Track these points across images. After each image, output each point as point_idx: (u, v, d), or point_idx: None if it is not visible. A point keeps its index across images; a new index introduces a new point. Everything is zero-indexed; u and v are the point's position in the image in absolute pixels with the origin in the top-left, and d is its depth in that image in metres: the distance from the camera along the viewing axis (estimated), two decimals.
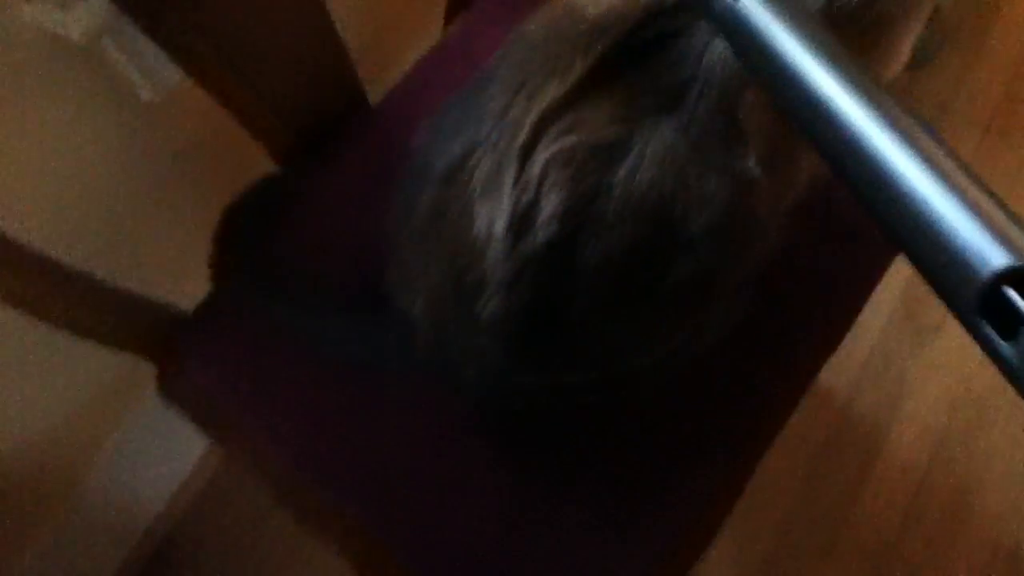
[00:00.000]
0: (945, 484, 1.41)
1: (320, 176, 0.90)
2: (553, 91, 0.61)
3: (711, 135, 0.60)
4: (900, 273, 1.48)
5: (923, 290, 1.28)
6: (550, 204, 0.59)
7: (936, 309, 1.46)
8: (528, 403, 0.74)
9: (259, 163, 0.88)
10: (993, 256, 0.34)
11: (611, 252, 0.61)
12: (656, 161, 0.60)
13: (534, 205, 0.60)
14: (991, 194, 0.37)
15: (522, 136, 0.60)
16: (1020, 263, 0.34)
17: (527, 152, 0.60)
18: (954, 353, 1.44)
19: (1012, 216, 0.36)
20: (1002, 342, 0.34)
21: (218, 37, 0.75)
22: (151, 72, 0.84)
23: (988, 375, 1.42)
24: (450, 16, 1.05)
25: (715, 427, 0.82)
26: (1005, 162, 1.59)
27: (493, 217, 0.61)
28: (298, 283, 0.81)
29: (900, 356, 1.45)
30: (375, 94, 0.97)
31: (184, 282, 0.84)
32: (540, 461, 0.79)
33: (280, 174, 0.87)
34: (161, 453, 1.15)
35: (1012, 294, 0.34)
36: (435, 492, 0.78)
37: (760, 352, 0.83)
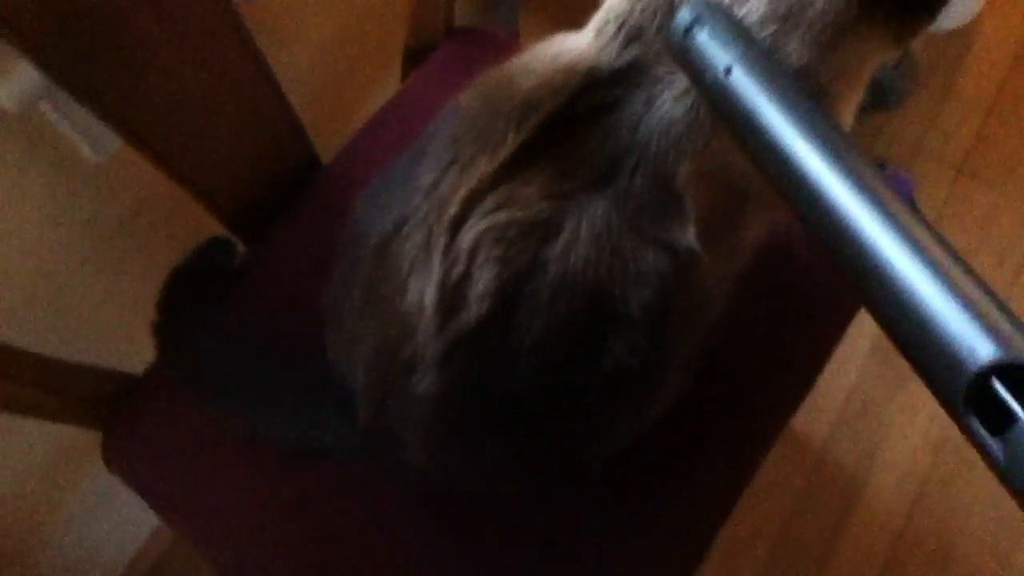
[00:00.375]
0: (925, 532, 1.39)
1: (267, 240, 0.89)
2: (484, 166, 0.60)
3: (648, 209, 0.59)
4: (871, 320, 1.48)
5: None
6: (481, 281, 0.58)
7: None
8: (470, 477, 0.72)
9: (208, 224, 0.86)
10: (982, 348, 0.33)
11: (547, 331, 0.60)
12: (591, 238, 0.58)
13: (465, 281, 0.59)
14: (980, 283, 0.36)
15: (452, 210, 0.59)
16: (1009, 357, 0.33)
17: (456, 227, 0.59)
18: (932, 397, 1.42)
19: (1002, 307, 0.35)
20: (990, 437, 0.33)
21: (155, 107, 0.74)
22: (94, 135, 0.83)
23: None
24: (406, 71, 1.04)
25: (684, 478, 0.80)
26: (979, 204, 1.58)
27: (423, 292, 0.60)
28: (241, 356, 0.79)
29: (877, 401, 1.43)
30: (331, 147, 0.96)
31: (132, 348, 0.82)
32: (491, 541, 0.77)
33: (225, 239, 0.86)
34: (117, 520, 1.12)
35: (1001, 388, 0.33)
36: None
37: (726, 408, 0.82)
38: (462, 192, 0.59)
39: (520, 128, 0.59)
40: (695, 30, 0.49)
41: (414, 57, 1.02)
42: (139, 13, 0.69)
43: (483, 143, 0.60)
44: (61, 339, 0.92)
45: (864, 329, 1.48)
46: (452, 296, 0.59)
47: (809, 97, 0.45)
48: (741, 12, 0.56)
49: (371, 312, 0.65)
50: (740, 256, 0.70)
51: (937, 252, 0.37)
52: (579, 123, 0.59)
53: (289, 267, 0.87)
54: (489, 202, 0.59)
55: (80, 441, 1.02)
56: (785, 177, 0.43)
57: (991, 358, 0.33)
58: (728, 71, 0.46)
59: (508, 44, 1.01)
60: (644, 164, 0.58)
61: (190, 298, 0.82)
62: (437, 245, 0.59)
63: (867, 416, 1.43)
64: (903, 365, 1.31)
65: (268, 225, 0.89)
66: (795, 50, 0.56)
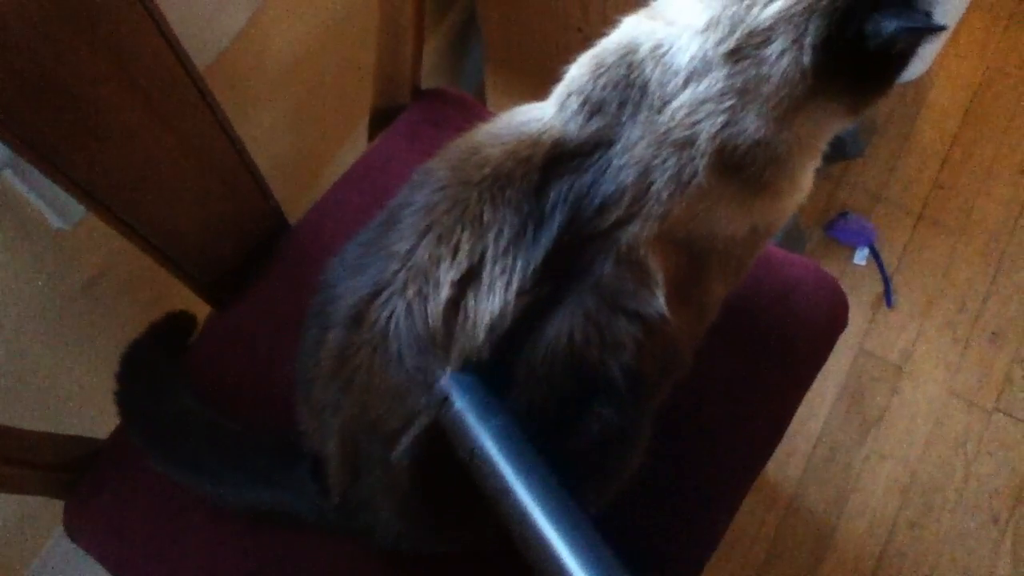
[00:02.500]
0: (896, 574, 1.39)
1: (231, 306, 0.89)
2: (465, 241, 0.61)
3: (618, 280, 0.60)
4: (841, 364, 1.50)
5: (865, 380, 1.29)
6: (479, 357, 0.60)
7: (879, 399, 1.47)
8: (448, 541, 0.72)
9: (172, 286, 0.86)
10: None
11: (533, 400, 0.61)
12: (572, 315, 0.60)
13: (459, 357, 0.60)
14: None
15: (444, 292, 0.60)
16: None
17: (453, 309, 0.60)
18: (898, 441, 1.44)
19: None
20: None
21: (121, 175, 0.74)
22: (59, 203, 0.83)
23: (933, 462, 1.42)
24: (373, 132, 1.05)
25: (659, 531, 0.80)
26: (939, 249, 1.62)
27: (417, 368, 0.60)
28: (206, 422, 0.79)
29: (845, 447, 1.45)
30: (299, 207, 0.97)
31: (96, 413, 0.81)
32: None
33: (185, 312, 0.86)
34: None
35: None
36: None
37: (699, 460, 0.82)
38: (451, 273, 0.60)
39: (495, 204, 0.61)
40: (450, 401, 0.58)
41: (382, 118, 1.03)
42: (105, 81, 0.69)
43: (458, 213, 0.62)
44: (23, 406, 0.91)
45: (830, 376, 1.50)
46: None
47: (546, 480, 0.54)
48: (701, 87, 0.58)
49: (344, 382, 0.65)
50: (707, 315, 0.71)
51: None
52: (561, 202, 0.60)
53: (255, 330, 0.87)
54: (484, 286, 0.60)
55: (39, 507, 1.00)
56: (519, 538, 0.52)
57: None
58: (471, 455, 0.55)
59: (474, 105, 1.02)
60: (613, 239, 0.60)
61: (151, 366, 0.82)
62: (430, 326, 0.60)
63: (835, 462, 1.44)
64: (869, 411, 1.33)
65: (234, 287, 0.89)
66: (752, 123, 0.58)
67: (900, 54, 0.59)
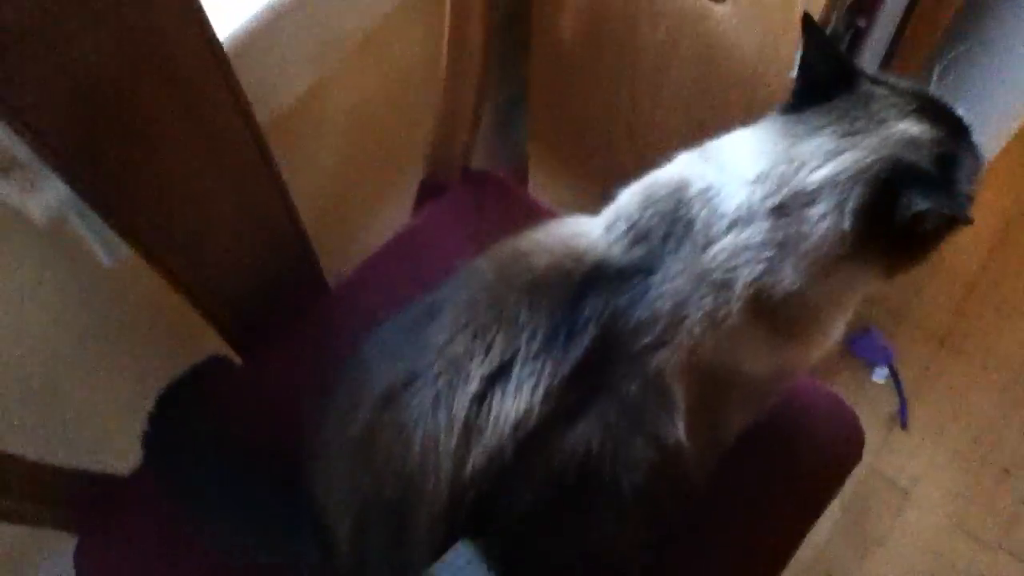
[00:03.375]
0: None
1: (264, 363, 0.91)
2: (499, 340, 0.63)
3: (642, 401, 0.62)
4: (849, 480, 1.49)
5: (872, 499, 1.28)
6: (503, 456, 0.61)
7: (883, 521, 1.46)
8: None
9: (208, 334, 0.88)
10: None
11: (540, 501, 0.62)
12: (594, 427, 0.62)
13: (481, 459, 0.61)
14: None
15: (472, 387, 0.62)
16: None
17: (479, 404, 0.62)
18: (897, 567, 1.43)
19: None
20: None
21: (177, 227, 0.76)
22: (109, 239, 0.85)
23: None
24: (420, 202, 1.08)
25: None
26: (957, 377, 1.62)
27: (436, 460, 0.62)
28: (226, 475, 0.80)
29: (843, 565, 1.44)
30: (337, 266, 0.99)
31: (119, 451, 0.82)
32: None
33: (224, 358, 0.87)
34: None
35: None
36: None
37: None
38: (482, 369, 0.62)
39: (533, 308, 0.63)
40: None
41: (429, 191, 1.06)
42: (173, 133, 0.72)
43: (496, 313, 0.64)
44: (51, 439, 0.92)
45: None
46: (467, 472, 0.61)
47: None
48: (744, 234, 0.60)
49: (366, 460, 0.67)
50: (722, 444, 0.72)
51: None
52: (596, 317, 0.62)
53: (282, 389, 0.87)
54: (511, 385, 0.61)
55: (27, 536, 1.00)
56: None
57: None
58: None
59: (517, 190, 1.05)
60: (642, 362, 0.61)
61: (183, 412, 0.83)
62: (457, 418, 0.62)
63: None
64: (872, 531, 1.32)
65: (267, 343, 0.91)
66: (788, 275, 0.60)
67: (929, 232, 0.61)
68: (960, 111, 0.65)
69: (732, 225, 0.61)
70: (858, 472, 1.53)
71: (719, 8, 0.97)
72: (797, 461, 0.86)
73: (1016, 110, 1.60)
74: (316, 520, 0.73)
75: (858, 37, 1.16)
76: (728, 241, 0.61)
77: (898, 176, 0.59)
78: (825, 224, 0.60)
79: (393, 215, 1.24)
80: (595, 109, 1.28)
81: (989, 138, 1.66)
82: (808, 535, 1.45)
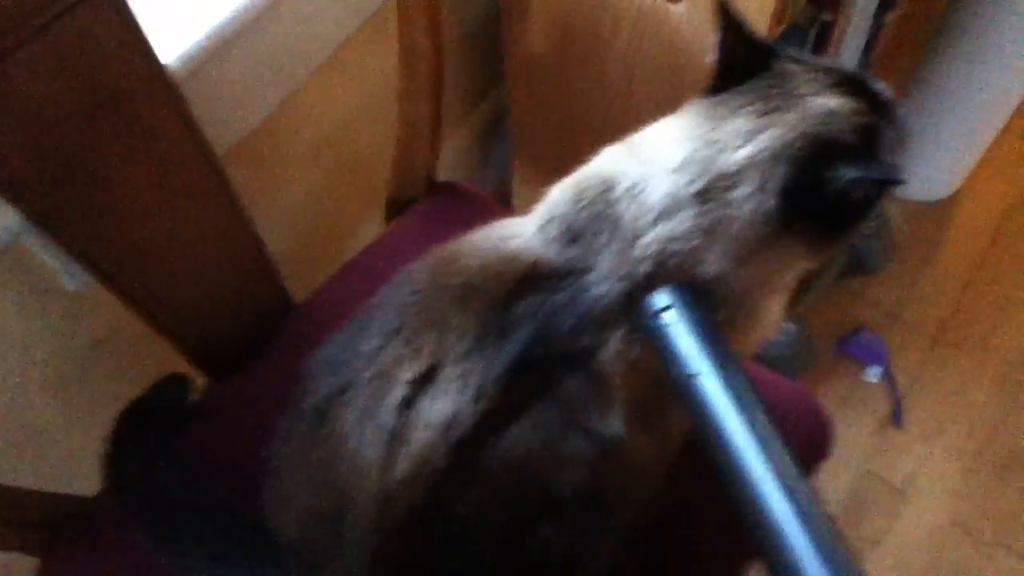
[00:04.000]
0: None
1: (229, 380, 0.91)
2: (429, 344, 0.63)
3: (579, 398, 0.62)
4: (844, 482, 1.48)
5: (867, 500, 1.27)
6: (427, 465, 0.60)
7: (878, 521, 1.45)
8: None
9: (174, 356, 0.89)
10: None
11: (485, 507, 0.62)
12: (530, 427, 0.61)
13: (409, 466, 0.61)
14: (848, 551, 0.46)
15: (399, 392, 0.62)
16: None
17: (405, 409, 0.61)
18: (895, 568, 1.41)
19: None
20: None
21: (133, 252, 0.77)
22: (72, 265, 0.86)
23: None
24: (389, 219, 1.08)
25: None
26: (952, 374, 1.60)
27: (366, 469, 0.62)
28: (188, 496, 0.80)
29: None
30: (309, 285, 0.99)
31: (84, 474, 0.83)
32: None
33: (182, 376, 0.88)
34: None
35: None
36: None
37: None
38: (408, 373, 0.62)
39: (463, 310, 0.62)
40: (665, 316, 0.56)
41: (397, 206, 1.06)
42: (125, 162, 0.73)
43: (427, 317, 0.64)
44: (19, 462, 0.94)
45: (831, 492, 1.48)
46: (394, 481, 0.61)
47: (764, 412, 0.54)
48: (670, 224, 0.60)
49: (306, 474, 0.67)
50: (671, 440, 0.72)
51: (816, 511, 0.47)
52: (529, 317, 0.62)
53: (246, 409, 0.89)
54: (439, 387, 0.61)
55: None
56: (727, 474, 0.52)
57: None
58: (693, 376, 0.54)
59: (485, 200, 1.05)
60: (581, 360, 0.61)
61: (144, 433, 0.84)
62: (382, 427, 0.62)
63: None
64: (867, 532, 1.31)
65: (233, 363, 0.91)
66: (715, 260, 0.60)
67: (860, 201, 0.59)
68: (880, 85, 0.64)
69: (659, 217, 0.61)
70: (853, 472, 1.52)
71: (675, 8, 0.97)
72: None
73: (1006, 101, 1.58)
74: (275, 540, 0.73)
75: (825, 31, 1.16)
76: (656, 233, 0.60)
77: (820, 150, 0.58)
78: (750, 205, 0.59)
79: (365, 232, 1.25)
80: (571, 118, 1.28)
81: (980, 129, 1.65)
82: None
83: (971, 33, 1.46)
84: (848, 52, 1.44)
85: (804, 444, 0.88)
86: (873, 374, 1.59)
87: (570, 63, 1.17)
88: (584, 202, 0.64)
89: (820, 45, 1.18)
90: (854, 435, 1.54)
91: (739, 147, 0.60)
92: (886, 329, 1.65)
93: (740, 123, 0.61)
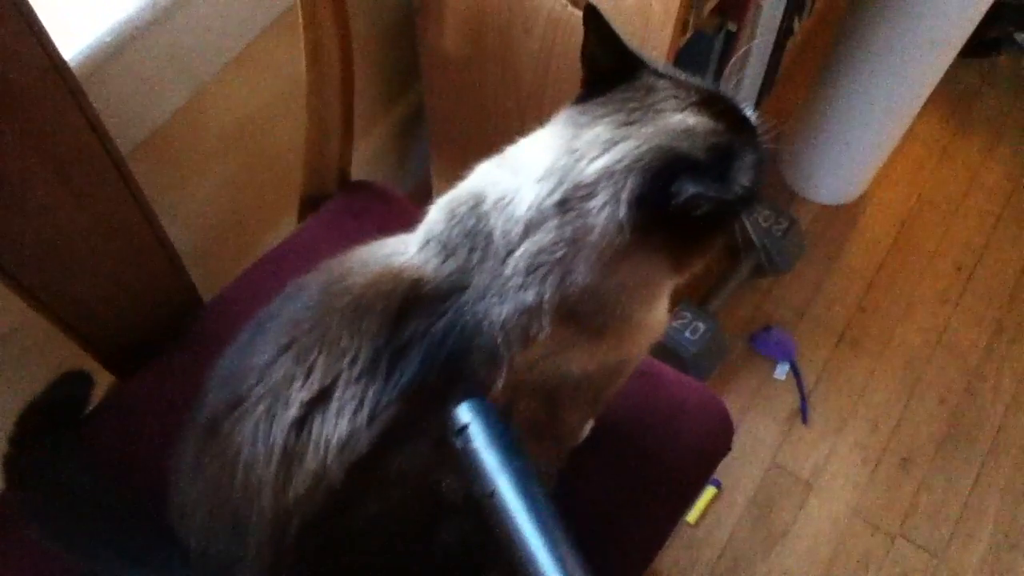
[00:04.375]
0: None
1: (136, 380, 0.90)
2: (322, 366, 0.62)
3: None
4: (753, 476, 1.53)
5: (775, 493, 1.31)
6: (322, 484, 0.61)
7: (786, 514, 1.50)
8: None
9: (80, 353, 0.87)
10: None
11: (381, 517, 0.63)
12: (424, 443, 0.62)
13: (303, 485, 0.61)
14: None
15: (292, 412, 0.62)
16: None
17: (298, 429, 0.61)
18: (801, 558, 1.46)
19: None
20: None
21: (30, 246, 0.75)
22: None
23: None
24: (302, 216, 1.08)
25: None
26: (857, 370, 1.66)
27: (258, 490, 0.62)
28: (91, 496, 0.79)
29: (748, 559, 1.46)
30: (223, 282, 0.98)
31: None
32: None
33: (82, 372, 0.86)
34: None
35: None
36: None
37: None
38: (302, 394, 0.62)
39: (354, 331, 0.62)
40: (467, 433, 0.55)
41: (310, 204, 1.06)
42: (21, 157, 0.71)
43: (319, 334, 0.63)
44: None
45: (741, 486, 1.52)
46: (289, 500, 0.61)
47: (561, 527, 0.53)
48: (536, 236, 0.61)
49: (201, 487, 0.67)
50: (564, 442, 0.73)
51: None
52: (418, 339, 0.62)
53: (150, 408, 0.88)
54: (333, 408, 0.61)
55: None
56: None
57: None
58: (491, 495, 0.53)
59: (396, 198, 1.06)
60: (468, 380, 0.62)
61: (45, 431, 0.82)
62: (275, 446, 0.62)
63: (738, 573, 1.46)
64: (775, 525, 1.35)
65: (141, 361, 0.90)
66: (581, 271, 0.60)
67: (709, 217, 0.59)
68: (746, 108, 0.66)
69: (527, 229, 0.61)
70: (762, 468, 1.57)
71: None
72: (666, 455, 0.88)
73: (908, 107, 1.65)
74: (183, 551, 0.72)
75: (731, 40, 1.20)
76: (525, 248, 0.61)
77: (669, 164, 0.59)
78: (604, 216, 0.59)
79: (280, 228, 1.24)
80: (486, 115, 1.29)
81: (884, 134, 1.71)
82: (713, 531, 1.49)
83: (871, 41, 1.52)
84: (755, 61, 1.49)
85: (707, 440, 0.91)
86: (782, 371, 1.64)
87: (484, 61, 1.18)
88: (456, 219, 0.65)
89: (726, 53, 1.21)
90: (763, 430, 1.59)
91: (595, 158, 0.60)
92: (794, 327, 1.71)
93: (598, 132, 0.62)
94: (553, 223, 0.60)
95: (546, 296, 0.60)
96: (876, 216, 1.86)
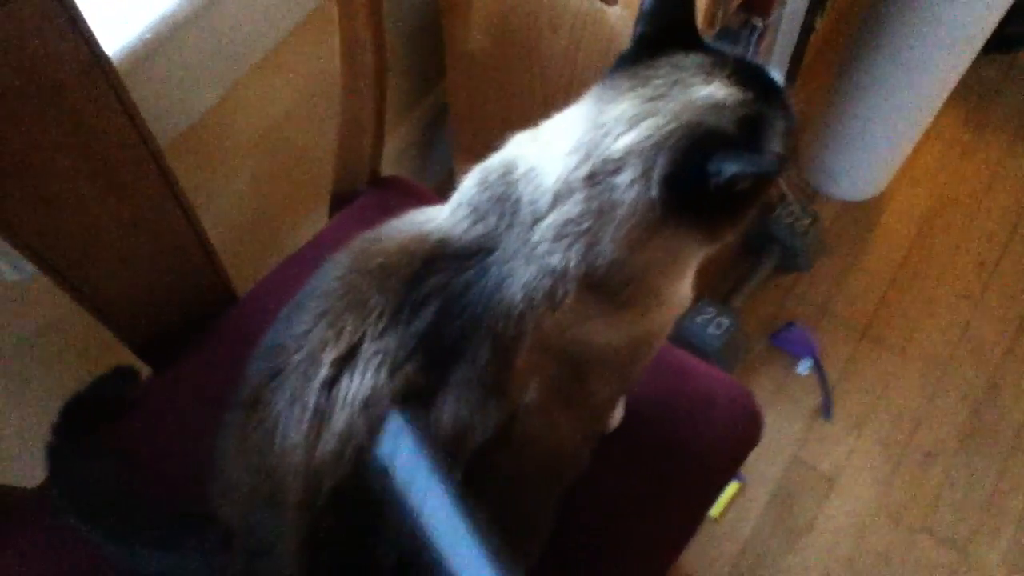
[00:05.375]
0: None
1: (172, 374, 0.91)
2: (351, 323, 0.64)
3: (494, 374, 0.63)
4: (775, 471, 1.53)
5: (797, 489, 1.31)
6: (350, 446, 0.62)
7: (809, 509, 1.50)
8: None
9: (118, 346, 0.89)
10: None
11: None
12: (455, 402, 0.63)
13: (334, 445, 0.62)
14: None
15: (323, 372, 0.63)
16: None
17: (328, 388, 0.63)
18: (824, 553, 1.47)
19: None
20: None
21: (71, 240, 0.77)
22: (13, 256, 0.86)
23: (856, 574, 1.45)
24: (333, 212, 1.09)
25: None
26: (879, 367, 1.67)
27: (292, 450, 0.63)
28: (131, 488, 0.81)
29: (772, 554, 1.47)
30: (255, 278, 1.00)
31: (32, 464, 0.83)
32: None
33: (129, 368, 0.88)
34: None
35: None
36: None
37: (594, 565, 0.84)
38: (332, 353, 0.63)
39: (381, 289, 0.64)
40: (391, 468, 0.59)
41: (341, 200, 1.07)
42: (64, 152, 0.73)
43: (350, 299, 0.65)
44: None
45: (764, 482, 1.53)
46: (319, 460, 0.62)
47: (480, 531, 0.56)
48: (564, 207, 0.62)
49: (244, 461, 0.68)
50: (596, 415, 0.74)
51: None
52: (437, 292, 0.63)
53: (189, 399, 0.89)
54: (359, 365, 0.63)
55: None
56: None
57: None
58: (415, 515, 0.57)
59: (426, 194, 1.07)
60: (490, 337, 0.62)
61: (88, 424, 0.84)
62: (307, 407, 0.63)
63: (762, 567, 1.46)
64: (798, 520, 1.35)
65: (176, 354, 0.92)
66: (608, 245, 0.61)
67: (745, 192, 0.60)
68: (773, 73, 0.65)
69: (554, 200, 0.62)
70: (785, 463, 1.57)
71: (612, 10, 1.00)
72: (695, 447, 0.88)
73: (929, 104, 1.65)
74: (221, 526, 0.74)
75: (756, 35, 1.20)
76: (553, 217, 0.62)
77: (700, 142, 0.59)
78: (633, 192, 0.60)
79: (310, 224, 1.26)
80: (512, 118, 1.30)
81: (904, 131, 1.71)
82: (737, 526, 1.50)
83: (892, 38, 1.52)
84: (779, 55, 1.49)
85: (736, 432, 0.91)
86: (804, 367, 1.65)
87: (510, 59, 1.19)
88: (487, 185, 0.66)
89: (753, 48, 1.23)
90: (786, 425, 1.60)
91: (622, 133, 0.61)
92: (816, 324, 1.71)
93: (625, 107, 0.62)
94: (581, 195, 0.61)
95: (572, 263, 0.61)
96: (897, 213, 1.86)
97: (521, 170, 0.65)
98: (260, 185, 1.19)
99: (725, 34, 1.15)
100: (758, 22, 1.17)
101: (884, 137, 1.71)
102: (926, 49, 1.51)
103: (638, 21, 0.67)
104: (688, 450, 0.88)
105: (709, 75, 0.63)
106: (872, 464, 1.56)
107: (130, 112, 0.77)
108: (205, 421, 0.81)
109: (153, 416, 0.89)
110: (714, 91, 0.62)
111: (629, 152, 0.60)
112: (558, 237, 0.62)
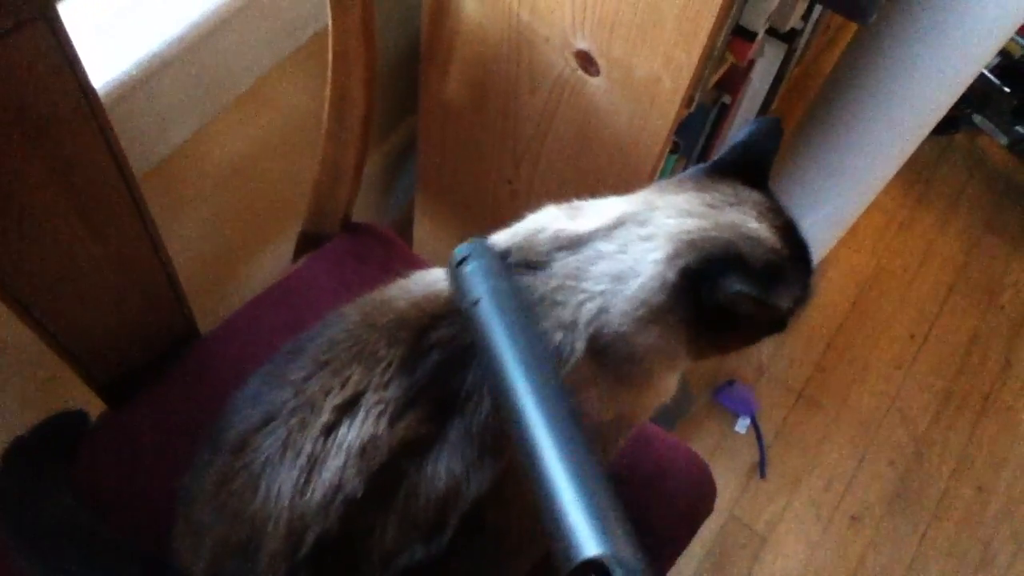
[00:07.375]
0: None
1: (132, 411, 0.89)
2: (356, 374, 0.64)
3: (493, 429, 0.63)
4: (711, 527, 1.57)
5: (731, 545, 1.35)
6: (344, 490, 0.61)
7: (742, 566, 1.54)
8: None
9: (71, 372, 0.87)
10: (587, 546, 0.44)
11: (404, 535, 0.63)
12: (452, 455, 0.63)
13: (326, 489, 0.62)
14: (613, 498, 0.48)
15: (324, 418, 0.63)
16: (601, 555, 0.43)
17: (328, 433, 0.63)
18: None
19: (619, 517, 0.47)
20: None
21: (42, 276, 0.75)
22: None
23: None
24: (298, 253, 1.09)
25: None
26: (814, 428, 1.72)
27: (279, 495, 0.63)
28: (82, 526, 0.78)
29: None
30: (212, 314, 0.99)
31: None
32: None
33: (79, 412, 0.86)
34: None
35: None
36: None
37: None
38: (335, 399, 0.63)
39: (391, 342, 0.65)
40: (465, 263, 0.63)
41: (309, 242, 1.07)
42: (43, 188, 0.72)
43: (357, 351, 0.65)
44: None
45: (699, 538, 1.55)
46: (306, 508, 0.62)
47: (536, 337, 0.58)
48: (584, 255, 0.64)
49: (219, 507, 0.67)
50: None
51: (586, 469, 0.49)
52: (442, 344, 0.64)
53: (143, 435, 0.87)
54: (360, 413, 0.63)
55: None
56: (500, 395, 0.56)
57: (590, 555, 0.43)
58: (475, 303, 0.60)
59: (398, 243, 1.07)
60: (491, 393, 0.63)
61: (35, 461, 0.81)
62: (301, 452, 0.62)
63: None
64: (730, 574, 1.37)
65: (132, 388, 0.90)
66: (617, 315, 0.63)
67: (738, 322, 0.63)
68: (810, 253, 0.69)
69: (575, 243, 0.65)
70: (719, 518, 1.61)
71: (593, 80, 1.03)
72: (652, 515, 0.90)
73: (877, 180, 1.71)
74: (176, 570, 0.72)
75: (724, 112, 1.24)
76: (572, 265, 0.64)
77: (728, 258, 0.62)
78: (652, 268, 0.63)
79: (275, 264, 1.25)
80: (480, 168, 1.32)
81: (849, 205, 1.78)
82: None
83: (846, 115, 1.58)
84: (735, 130, 1.54)
85: (692, 502, 0.94)
86: (742, 425, 1.69)
87: (486, 114, 1.21)
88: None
89: (718, 123, 1.27)
90: (723, 482, 1.63)
91: (668, 217, 0.65)
92: (756, 383, 1.76)
93: (681, 200, 0.66)
94: (604, 249, 0.64)
95: (582, 320, 0.63)
96: (837, 280, 1.94)
97: (548, 233, 0.67)
98: (225, 220, 1.18)
99: (697, 110, 1.19)
100: (727, 99, 1.22)
101: (832, 207, 1.77)
102: (878, 132, 1.57)
103: (729, 146, 0.72)
104: (646, 520, 0.90)
105: (762, 215, 0.67)
106: (803, 525, 1.61)
107: (113, 149, 0.76)
108: (162, 460, 0.80)
109: (107, 454, 0.87)
110: (760, 230, 0.65)
111: (667, 233, 0.63)
112: (573, 291, 0.63)
